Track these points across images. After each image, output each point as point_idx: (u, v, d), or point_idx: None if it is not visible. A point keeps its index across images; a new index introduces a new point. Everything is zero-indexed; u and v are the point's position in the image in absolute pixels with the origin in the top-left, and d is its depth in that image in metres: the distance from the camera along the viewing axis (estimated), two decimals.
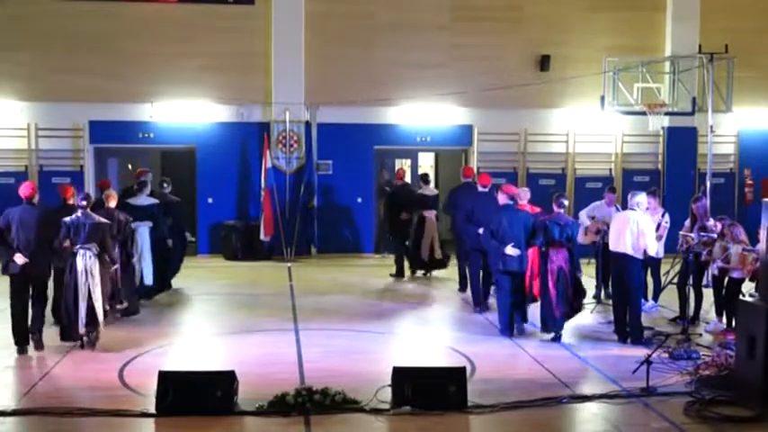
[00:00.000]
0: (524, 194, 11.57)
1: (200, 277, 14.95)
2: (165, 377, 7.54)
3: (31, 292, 9.56)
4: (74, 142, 17.14)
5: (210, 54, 17.07)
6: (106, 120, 16.99)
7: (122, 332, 10.57)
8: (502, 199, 10.72)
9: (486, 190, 12.48)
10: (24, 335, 9.44)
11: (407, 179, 18.31)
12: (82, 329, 9.63)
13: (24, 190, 9.59)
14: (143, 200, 12.34)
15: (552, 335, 10.31)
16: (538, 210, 11.54)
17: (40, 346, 9.55)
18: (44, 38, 16.70)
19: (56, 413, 7.38)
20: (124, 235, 10.89)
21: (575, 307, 10.43)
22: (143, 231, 12.17)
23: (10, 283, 9.52)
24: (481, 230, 11.24)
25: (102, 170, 17.82)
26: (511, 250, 10.34)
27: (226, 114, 17.37)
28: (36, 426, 7.21)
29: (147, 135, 17.28)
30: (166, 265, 12.96)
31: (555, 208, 10.52)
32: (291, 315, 11.77)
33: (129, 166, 18.72)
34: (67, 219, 9.63)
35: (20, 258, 9.29)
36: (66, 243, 9.58)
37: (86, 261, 9.56)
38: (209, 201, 17.26)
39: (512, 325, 10.56)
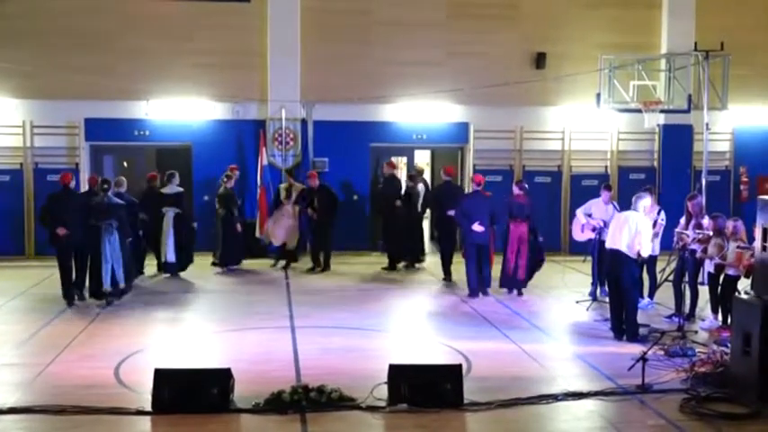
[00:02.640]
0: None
1: (196, 274, 14.95)
2: (160, 375, 7.53)
3: (73, 258, 12.19)
4: (69, 140, 17.11)
5: (206, 51, 17.04)
6: (102, 117, 16.95)
7: (118, 329, 10.58)
8: (473, 186, 13.45)
9: (450, 179, 15.24)
10: (70, 292, 12.08)
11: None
12: (106, 288, 12.01)
13: (64, 178, 12.42)
14: (171, 189, 14.72)
15: (516, 292, 12.96)
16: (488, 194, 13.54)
17: (80, 298, 12.21)
18: (39, 35, 16.66)
19: (51, 411, 7.37)
20: (134, 215, 13.41)
21: (533, 268, 13.03)
22: (169, 216, 14.54)
23: (56, 251, 12.18)
24: (452, 212, 13.50)
25: (98, 167, 17.77)
26: (477, 227, 12.68)
27: (222, 112, 17.35)
28: (32, 424, 7.20)
29: (142, 132, 17.26)
30: (190, 246, 15.04)
31: (516, 190, 13.22)
32: (287, 312, 11.77)
33: (125, 164, 18.69)
34: (94, 200, 12.25)
35: (61, 230, 11.90)
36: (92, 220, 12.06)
37: (108, 233, 12.00)
38: (205, 198, 17.19)
39: (481, 286, 12.94)
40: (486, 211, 12.81)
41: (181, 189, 14.96)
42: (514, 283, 13.03)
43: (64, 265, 12.14)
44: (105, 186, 12.47)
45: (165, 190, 14.83)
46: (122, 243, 12.28)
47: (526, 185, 13.47)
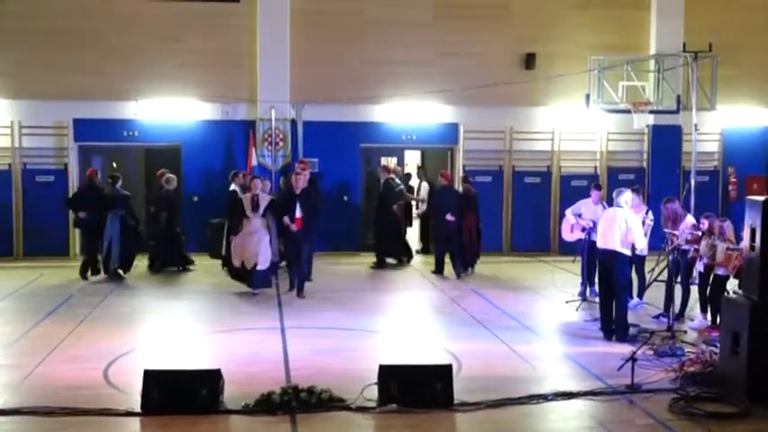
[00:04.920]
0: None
1: (187, 275, 14.92)
2: (150, 376, 7.51)
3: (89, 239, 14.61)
4: (58, 140, 17.04)
5: (196, 52, 17.00)
6: (90, 118, 16.90)
7: (106, 330, 10.54)
8: (443, 181, 15.47)
9: (389, 177, 16.47)
10: (85, 269, 14.36)
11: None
12: (114, 266, 14.18)
13: (90, 174, 14.98)
14: (233, 186, 15.58)
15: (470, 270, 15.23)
16: None
17: (84, 278, 14.29)
18: (28, 35, 16.59)
19: (40, 413, 7.33)
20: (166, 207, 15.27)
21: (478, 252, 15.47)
22: None
23: (80, 233, 15.43)
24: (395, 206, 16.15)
25: (87, 168, 17.68)
26: (450, 217, 14.78)
27: (211, 112, 17.31)
28: (20, 425, 7.17)
29: (131, 133, 17.20)
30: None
31: (465, 186, 15.64)
32: (277, 313, 11.75)
33: (114, 165, 18.62)
34: (103, 192, 14.52)
35: (82, 214, 14.50)
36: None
37: (113, 220, 14.13)
38: (195, 199, 17.19)
39: (456, 269, 15.00)
40: (455, 204, 14.92)
41: (236, 188, 15.49)
42: (465, 263, 15.17)
43: (84, 245, 14.92)
44: (110, 180, 14.61)
45: (231, 187, 15.63)
46: (128, 229, 14.39)
47: (472, 182, 16.19)
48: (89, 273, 14.37)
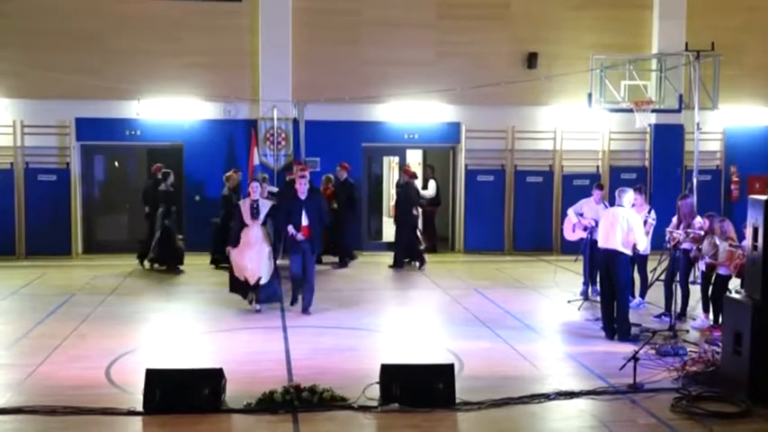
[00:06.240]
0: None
1: (188, 275, 14.94)
2: (152, 375, 7.52)
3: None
4: (60, 139, 17.04)
5: (198, 51, 17.00)
6: (93, 117, 16.91)
7: (108, 330, 10.55)
8: (405, 177, 16.22)
9: (347, 175, 16.46)
10: (141, 258, 15.51)
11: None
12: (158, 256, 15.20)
13: (155, 170, 15.58)
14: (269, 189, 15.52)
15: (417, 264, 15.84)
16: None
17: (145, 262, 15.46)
18: (30, 34, 16.60)
19: (42, 412, 7.35)
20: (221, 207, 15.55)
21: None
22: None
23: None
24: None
25: (89, 168, 17.74)
26: (415, 211, 15.88)
27: (213, 112, 17.31)
28: (22, 425, 7.18)
29: (133, 132, 17.21)
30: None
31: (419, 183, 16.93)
32: (279, 313, 11.75)
33: (116, 164, 18.63)
34: (158, 189, 15.24)
35: (147, 208, 15.50)
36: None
37: (159, 214, 15.06)
38: (197, 198, 17.20)
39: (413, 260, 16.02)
40: (416, 199, 16.04)
41: (275, 189, 15.76)
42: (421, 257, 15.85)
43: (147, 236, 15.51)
44: (159, 177, 15.31)
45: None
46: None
47: (429, 177, 17.78)
48: (144, 261, 15.42)
